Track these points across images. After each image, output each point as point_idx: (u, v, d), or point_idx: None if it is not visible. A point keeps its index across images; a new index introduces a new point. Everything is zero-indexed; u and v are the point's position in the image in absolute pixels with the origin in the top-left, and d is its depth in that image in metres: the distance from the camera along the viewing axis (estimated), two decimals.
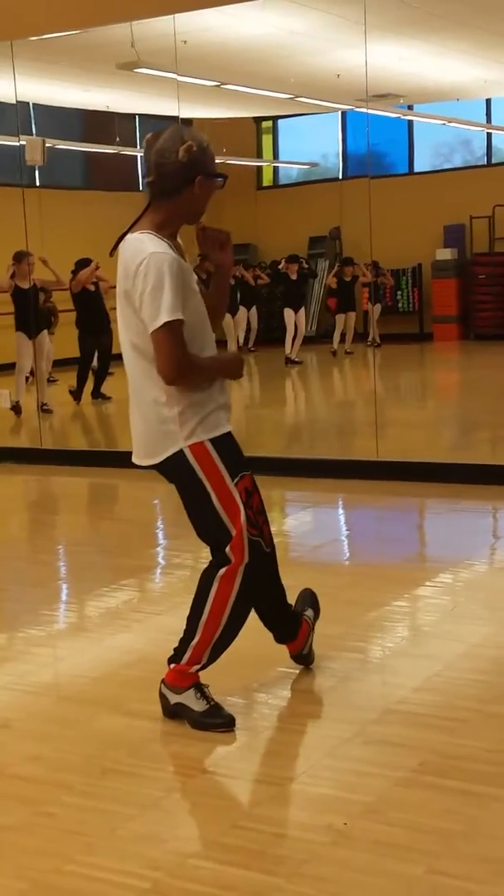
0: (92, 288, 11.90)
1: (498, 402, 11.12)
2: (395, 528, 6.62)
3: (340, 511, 7.18)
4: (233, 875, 2.63)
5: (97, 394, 11.93)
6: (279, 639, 3.84)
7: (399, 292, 17.87)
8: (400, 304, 17.92)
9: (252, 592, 3.53)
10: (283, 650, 3.89)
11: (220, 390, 3.49)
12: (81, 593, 5.32)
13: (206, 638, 3.49)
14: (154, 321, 3.29)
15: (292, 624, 3.83)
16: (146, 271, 3.29)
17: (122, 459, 8.39)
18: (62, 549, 6.43)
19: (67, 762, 3.30)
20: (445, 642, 4.18)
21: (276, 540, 3.81)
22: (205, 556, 3.66)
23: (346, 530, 6.77)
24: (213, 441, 3.44)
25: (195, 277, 3.46)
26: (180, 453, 3.43)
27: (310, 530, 6.56)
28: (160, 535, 6.66)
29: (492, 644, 4.17)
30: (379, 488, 7.16)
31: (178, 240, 3.48)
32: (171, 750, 3.40)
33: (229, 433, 3.50)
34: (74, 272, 11.96)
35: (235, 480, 3.45)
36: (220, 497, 3.44)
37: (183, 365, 3.33)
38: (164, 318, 3.28)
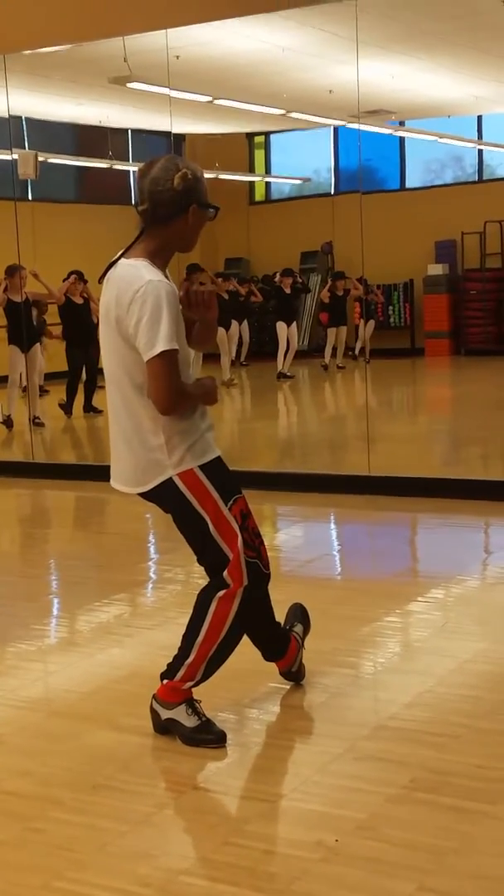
0: (80, 301, 11.94)
1: (489, 418, 11.13)
2: (387, 543, 6.62)
3: (332, 526, 7.18)
4: (223, 892, 2.62)
5: (88, 407, 11.94)
6: (267, 657, 3.83)
7: (391, 307, 17.93)
8: (392, 320, 17.98)
9: (248, 614, 3.53)
10: (272, 669, 3.88)
11: (202, 416, 3.49)
12: (72, 608, 5.31)
13: (200, 656, 3.48)
14: (151, 350, 3.27)
15: (280, 642, 3.82)
16: (144, 299, 3.26)
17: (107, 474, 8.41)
18: (53, 563, 6.41)
19: (57, 778, 3.28)
20: (437, 658, 4.18)
21: (269, 555, 3.80)
22: (197, 570, 3.67)
23: (338, 545, 6.76)
24: (203, 467, 3.42)
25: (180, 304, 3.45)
26: (170, 482, 3.42)
27: (301, 545, 6.55)
28: (151, 549, 6.65)
29: (483, 660, 4.16)
30: (371, 503, 7.16)
31: (167, 270, 3.46)
32: (162, 766, 3.39)
33: (219, 457, 3.49)
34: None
35: (229, 504, 3.44)
36: (216, 522, 3.43)
37: (178, 394, 3.31)
38: (162, 347, 3.25)
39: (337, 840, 2.80)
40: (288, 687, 3.88)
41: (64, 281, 11.90)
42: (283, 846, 2.87)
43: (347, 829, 2.86)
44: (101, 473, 8.21)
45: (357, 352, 15.50)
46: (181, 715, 3.47)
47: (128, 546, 6.59)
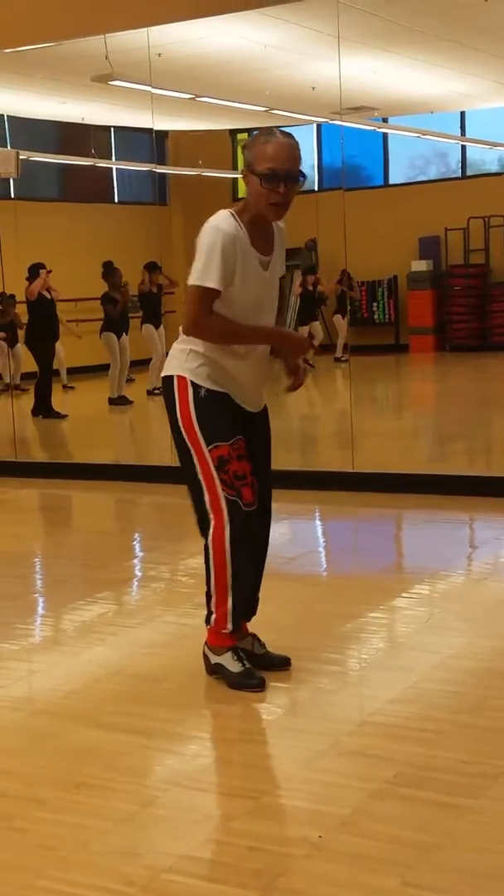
0: (48, 295, 11.98)
1: (473, 414, 11.16)
2: (372, 539, 6.62)
3: (317, 522, 7.18)
4: (207, 889, 2.61)
5: (50, 410, 11.86)
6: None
7: (375, 304, 17.94)
8: (376, 316, 17.99)
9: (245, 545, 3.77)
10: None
11: (237, 361, 3.73)
12: (56, 607, 5.30)
13: (220, 596, 3.76)
14: (192, 279, 3.62)
15: (245, 609, 3.94)
16: (203, 237, 3.61)
17: (97, 471, 8.39)
18: (37, 562, 6.39)
19: (41, 776, 3.27)
20: (421, 654, 4.18)
21: (251, 493, 3.82)
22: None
23: (323, 542, 6.77)
24: (204, 395, 3.70)
25: (257, 259, 3.69)
26: (169, 378, 3.76)
27: (286, 542, 6.53)
28: (136, 547, 6.64)
29: (467, 655, 4.17)
30: (355, 499, 7.17)
31: (278, 224, 3.79)
32: (146, 764, 3.38)
33: (226, 397, 3.72)
34: (28, 279, 12.03)
35: (209, 447, 3.68)
36: (195, 449, 3.71)
37: (199, 325, 3.64)
38: (198, 281, 3.59)
39: (321, 836, 2.80)
40: (271, 683, 3.87)
41: (35, 276, 11.94)
42: (266, 843, 2.86)
43: (331, 825, 2.86)
44: (82, 472, 8.24)
45: (340, 352, 15.51)
46: (228, 661, 3.79)
47: (111, 544, 6.57)
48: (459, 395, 13.23)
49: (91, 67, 10.32)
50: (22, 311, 12.82)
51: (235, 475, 3.70)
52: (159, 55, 9.07)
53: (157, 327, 12.97)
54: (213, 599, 3.79)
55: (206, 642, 3.88)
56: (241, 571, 3.78)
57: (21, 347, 13.22)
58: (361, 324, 17.70)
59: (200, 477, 3.72)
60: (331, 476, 7.63)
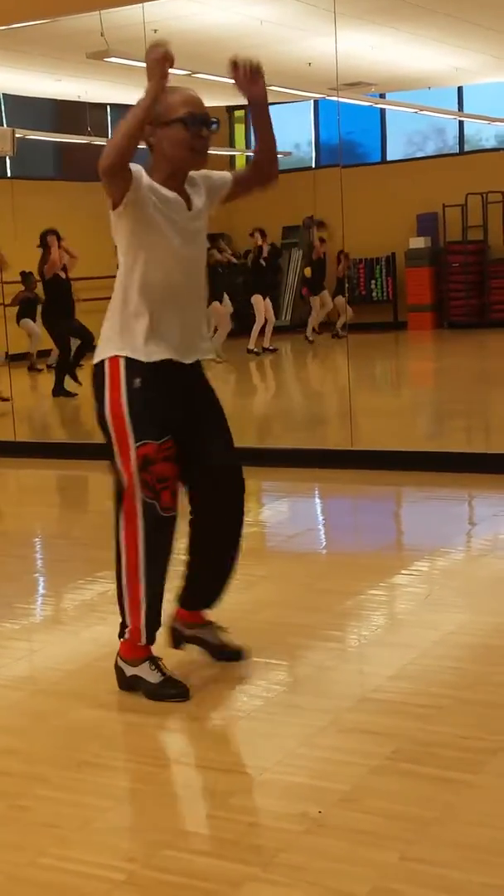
0: (63, 275, 11.89)
1: (472, 391, 11.16)
2: (371, 516, 6.63)
3: (316, 500, 7.19)
4: (207, 865, 2.63)
5: (61, 390, 11.85)
6: (184, 602, 3.80)
7: (373, 281, 17.91)
8: (374, 293, 17.96)
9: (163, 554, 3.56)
10: (258, 643, 3.89)
11: (177, 318, 3.51)
12: (56, 586, 5.31)
13: (134, 609, 3.54)
14: None
15: (205, 597, 3.79)
16: None
17: (95, 452, 8.38)
18: (37, 541, 6.40)
19: (42, 755, 3.28)
20: (421, 630, 4.19)
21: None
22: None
23: (322, 519, 6.77)
24: (137, 389, 3.44)
25: (179, 210, 3.53)
26: (101, 364, 3.51)
27: (285, 520, 6.56)
28: None
29: (467, 631, 4.17)
30: (354, 477, 7.17)
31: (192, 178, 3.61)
32: (146, 742, 3.39)
33: (163, 397, 3.48)
34: (40, 248, 11.80)
35: (137, 444, 3.44)
36: (118, 434, 3.46)
37: (102, 158, 3.43)
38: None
39: (321, 812, 2.81)
40: (272, 661, 3.89)
41: (48, 244, 11.79)
42: (267, 818, 2.88)
43: (331, 801, 2.87)
44: (82, 451, 8.23)
45: (339, 328, 15.52)
46: (145, 671, 3.56)
47: (111, 523, 6.57)
48: (458, 372, 13.22)
49: (86, 44, 10.26)
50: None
51: (159, 478, 3.45)
52: (155, 31, 9.02)
53: (220, 301, 13.82)
54: (126, 609, 3.56)
55: (118, 654, 3.65)
56: (157, 582, 3.54)
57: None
58: (360, 301, 17.67)
59: (121, 472, 3.50)
60: (329, 454, 7.63)
